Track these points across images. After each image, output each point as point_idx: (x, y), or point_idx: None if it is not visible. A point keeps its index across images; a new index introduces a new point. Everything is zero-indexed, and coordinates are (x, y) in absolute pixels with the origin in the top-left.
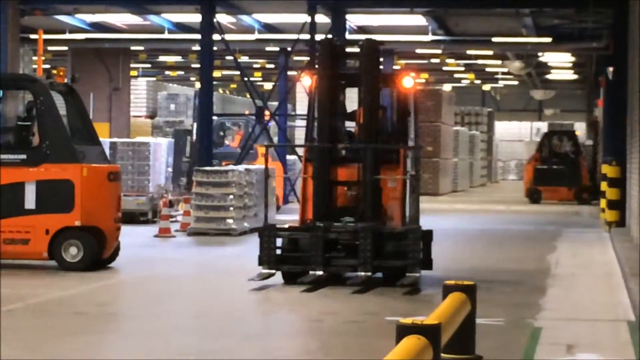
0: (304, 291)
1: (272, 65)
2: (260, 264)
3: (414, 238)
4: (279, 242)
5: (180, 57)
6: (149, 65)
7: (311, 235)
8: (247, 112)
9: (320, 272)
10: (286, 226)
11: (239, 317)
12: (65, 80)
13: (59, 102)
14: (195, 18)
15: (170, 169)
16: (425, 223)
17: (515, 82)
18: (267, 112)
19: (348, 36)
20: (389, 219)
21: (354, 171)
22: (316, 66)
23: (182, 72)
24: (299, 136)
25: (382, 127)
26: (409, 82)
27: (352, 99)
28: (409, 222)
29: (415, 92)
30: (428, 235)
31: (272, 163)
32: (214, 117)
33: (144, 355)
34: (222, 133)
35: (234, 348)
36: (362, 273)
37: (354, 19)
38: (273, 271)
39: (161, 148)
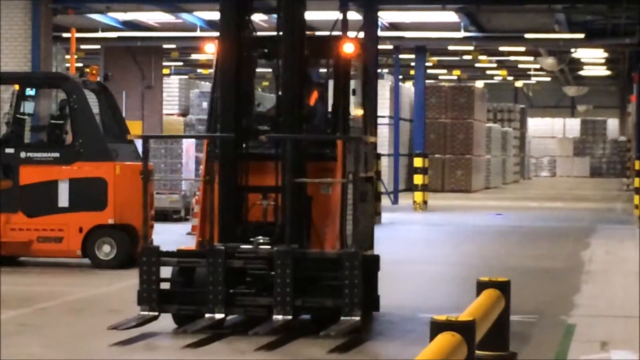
0: (188, 346)
1: None
2: (139, 302)
3: (351, 267)
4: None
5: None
6: (181, 63)
7: (209, 263)
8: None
9: (222, 315)
10: (174, 250)
11: None
12: (98, 79)
13: (92, 100)
14: None
15: None
16: (457, 220)
17: (548, 79)
18: None
19: (380, 33)
20: (321, 240)
21: (272, 173)
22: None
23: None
24: None
25: (317, 112)
26: (349, 48)
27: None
28: (353, 244)
29: (364, 62)
30: (372, 263)
31: None
32: None
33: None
34: None
35: None
36: (280, 316)
37: (385, 16)
38: (156, 313)
39: (193, 146)
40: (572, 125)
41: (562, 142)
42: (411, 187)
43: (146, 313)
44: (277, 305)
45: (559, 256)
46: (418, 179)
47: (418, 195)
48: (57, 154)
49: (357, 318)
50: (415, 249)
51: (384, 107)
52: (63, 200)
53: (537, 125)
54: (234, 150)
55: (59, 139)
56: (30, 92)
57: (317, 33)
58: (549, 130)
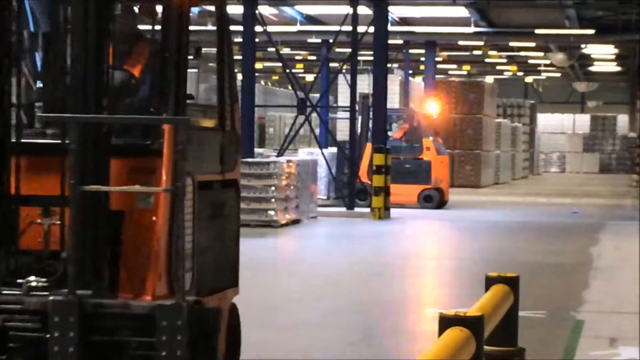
0: None
1: (314, 57)
2: None
3: (171, 329)
4: None
5: None
6: (191, 57)
7: None
8: (408, 106)
9: None
10: None
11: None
12: None
13: None
14: (237, 10)
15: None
16: (466, 216)
17: (558, 74)
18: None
19: (390, 28)
20: (135, 282)
21: (58, 176)
22: None
23: None
24: (341, 128)
25: (140, 84)
26: None
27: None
28: (179, 290)
29: (220, 8)
30: (210, 319)
31: (437, 157)
32: None
33: None
34: (387, 127)
35: (273, 340)
36: None
37: (396, 11)
38: None
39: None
40: (582, 121)
41: (572, 138)
42: None
43: None
44: None
45: (568, 252)
46: None
47: None
48: None
49: None
50: (424, 244)
51: (393, 102)
52: None
53: (546, 120)
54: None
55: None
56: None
57: None
58: (558, 126)
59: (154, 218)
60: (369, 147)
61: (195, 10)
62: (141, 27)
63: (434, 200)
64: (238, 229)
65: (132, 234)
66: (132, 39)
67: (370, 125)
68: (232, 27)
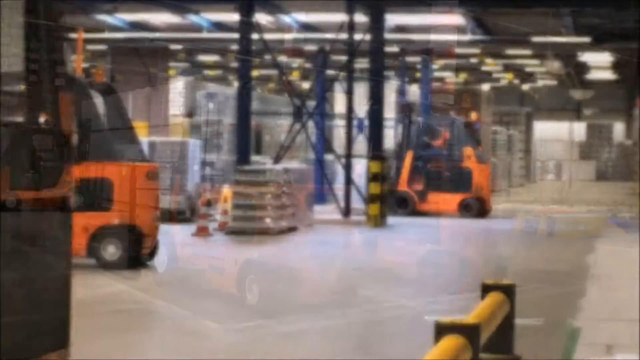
0: None
1: (310, 65)
2: None
3: None
4: None
5: (218, 57)
6: (188, 65)
7: None
8: (451, 113)
9: None
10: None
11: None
12: (104, 80)
13: (98, 101)
14: (234, 17)
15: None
16: (461, 222)
17: (554, 82)
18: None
19: (386, 36)
20: None
21: None
22: None
23: (220, 72)
24: (338, 136)
25: None
26: None
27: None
28: None
29: None
30: None
31: (478, 165)
32: (419, 118)
33: (183, 354)
34: (429, 135)
35: (274, 346)
36: None
37: (392, 18)
38: None
39: (198, 148)
40: (578, 129)
41: (568, 146)
42: None
43: None
44: None
45: (565, 259)
46: None
47: None
48: None
49: None
50: (418, 251)
51: (390, 110)
52: None
53: (543, 128)
54: None
55: None
56: None
57: None
58: (554, 133)
59: None
60: (409, 155)
61: None
62: None
63: (474, 209)
64: (68, 267)
65: None
66: None
67: (411, 133)
68: (229, 35)
